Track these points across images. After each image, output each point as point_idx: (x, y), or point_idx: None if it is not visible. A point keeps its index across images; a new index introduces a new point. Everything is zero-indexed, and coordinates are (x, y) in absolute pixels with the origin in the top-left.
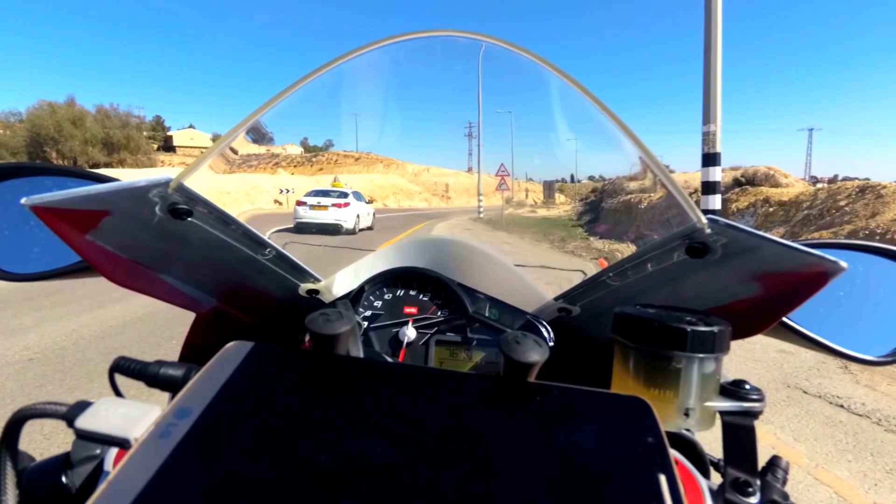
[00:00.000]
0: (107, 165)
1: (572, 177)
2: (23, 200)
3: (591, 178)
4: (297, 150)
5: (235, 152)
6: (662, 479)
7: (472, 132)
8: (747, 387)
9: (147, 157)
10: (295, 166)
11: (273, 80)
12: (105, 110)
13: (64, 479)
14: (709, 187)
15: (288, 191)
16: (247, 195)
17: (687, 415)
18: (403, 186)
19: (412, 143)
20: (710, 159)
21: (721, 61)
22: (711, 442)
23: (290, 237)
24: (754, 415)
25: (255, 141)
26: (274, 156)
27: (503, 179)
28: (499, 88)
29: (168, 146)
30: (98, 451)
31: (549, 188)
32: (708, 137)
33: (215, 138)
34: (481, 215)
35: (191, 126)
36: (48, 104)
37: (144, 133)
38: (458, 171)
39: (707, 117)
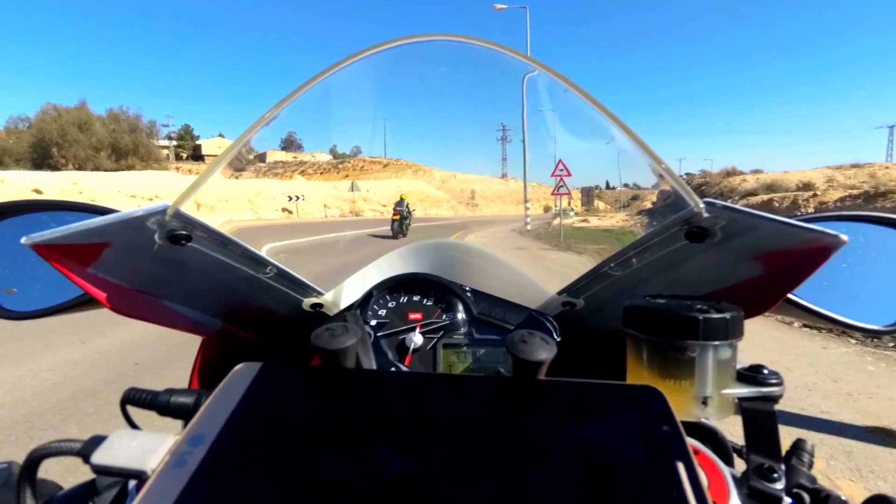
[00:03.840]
0: (115, 171)
1: (607, 183)
2: (23, 240)
3: (626, 185)
4: (326, 157)
5: (263, 160)
6: (680, 466)
7: (506, 136)
8: (765, 371)
9: (158, 164)
10: (321, 173)
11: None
12: (115, 114)
13: None
14: None
15: (298, 198)
16: (249, 202)
17: (705, 404)
18: (430, 193)
19: (440, 148)
20: None
21: None
22: (732, 430)
23: (288, 249)
24: (774, 399)
25: (284, 149)
26: (301, 163)
27: (561, 181)
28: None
29: (197, 155)
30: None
31: (588, 195)
32: None
33: None
34: (528, 227)
35: (220, 135)
36: (54, 107)
37: (171, 140)
38: (490, 176)
39: None
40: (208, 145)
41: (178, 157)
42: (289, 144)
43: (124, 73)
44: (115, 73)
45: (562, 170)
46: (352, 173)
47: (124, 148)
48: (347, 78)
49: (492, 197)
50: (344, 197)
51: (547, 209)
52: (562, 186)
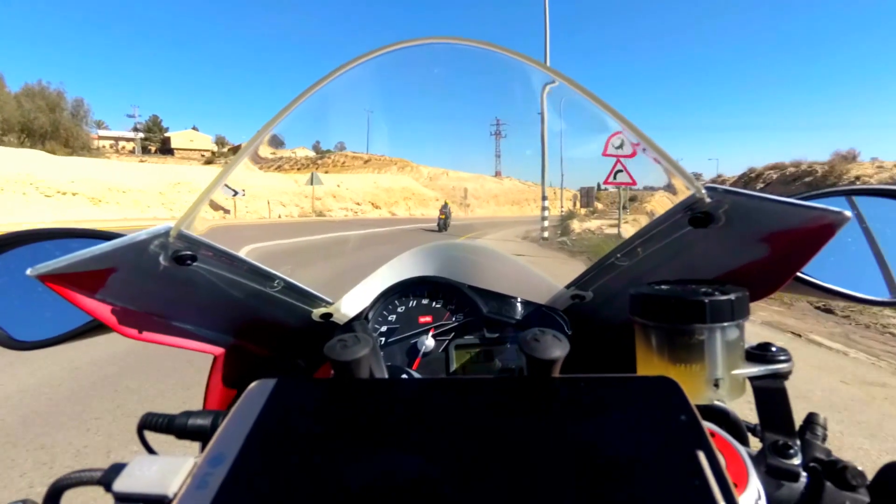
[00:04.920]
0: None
1: (598, 185)
2: (28, 271)
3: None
4: (308, 153)
5: (256, 161)
6: (701, 455)
7: (500, 130)
8: (773, 349)
9: (87, 151)
10: (298, 169)
11: (285, 83)
12: (31, 90)
13: None
14: None
15: (236, 193)
16: (160, 195)
17: (717, 385)
18: (417, 191)
19: (428, 143)
20: None
21: None
22: (745, 409)
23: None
24: (783, 376)
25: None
26: (278, 159)
27: (618, 163)
28: (500, 95)
29: (166, 148)
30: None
31: (588, 195)
32: None
33: (218, 141)
34: (545, 235)
35: (193, 128)
36: None
37: (136, 132)
38: (482, 174)
39: None
40: (178, 138)
41: (145, 151)
42: (271, 141)
43: (90, 58)
44: (73, 56)
45: (619, 146)
46: (331, 169)
47: (39, 130)
48: (337, 79)
49: (485, 196)
50: (305, 193)
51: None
52: (620, 172)
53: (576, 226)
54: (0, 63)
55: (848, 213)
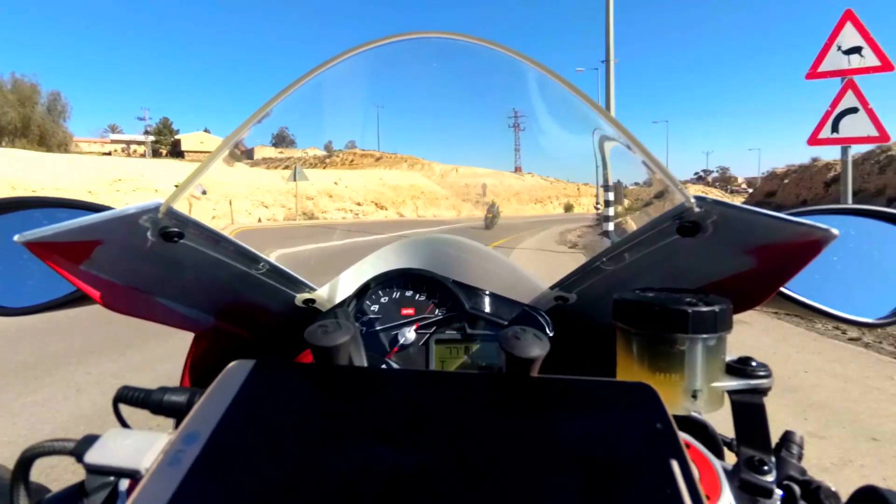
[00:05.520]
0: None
1: (618, 181)
2: (15, 237)
3: (636, 183)
4: (320, 153)
5: (251, 156)
6: (674, 464)
7: (518, 122)
8: (753, 363)
9: (61, 149)
10: (305, 168)
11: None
12: (1, 83)
13: None
14: None
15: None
16: (89, 195)
17: (695, 397)
18: (426, 188)
19: (440, 140)
20: None
21: None
22: (722, 423)
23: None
24: (763, 391)
25: (274, 145)
26: (286, 159)
27: (850, 90)
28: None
29: (176, 151)
30: (112, 478)
31: (615, 190)
32: None
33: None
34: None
35: (205, 130)
36: None
37: (147, 135)
38: (501, 171)
39: None
40: (189, 140)
41: (156, 154)
42: (280, 140)
43: (105, 61)
44: (90, 58)
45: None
46: (340, 168)
47: (7, 126)
48: (343, 73)
49: (505, 194)
50: (293, 191)
51: (568, 208)
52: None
53: (630, 223)
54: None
55: (835, 231)
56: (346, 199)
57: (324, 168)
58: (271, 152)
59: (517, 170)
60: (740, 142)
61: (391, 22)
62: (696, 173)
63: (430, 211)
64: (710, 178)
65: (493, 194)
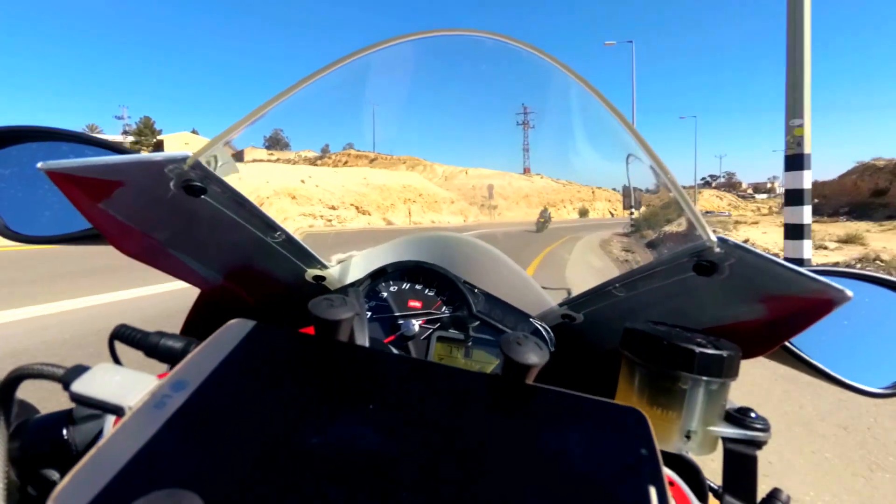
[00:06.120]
0: None
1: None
2: (39, 165)
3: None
4: (313, 155)
5: (241, 158)
6: (652, 491)
7: (527, 119)
8: (753, 415)
9: None
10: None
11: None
12: None
13: (65, 433)
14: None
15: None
16: None
17: (688, 437)
18: (425, 190)
19: (443, 139)
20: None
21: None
22: (710, 465)
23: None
24: (758, 444)
25: (268, 147)
26: (275, 161)
27: None
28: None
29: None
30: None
31: (630, 197)
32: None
33: None
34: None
35: (193, 131)
36: None
37: (126, 135)
38: (509, 172)
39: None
40: (173, 141)
41: None
42: (274, 143)
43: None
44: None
45: None
46: (330, 168)
47: None
48: (339, 75)
49: (514, 196)
50: (259, 190)
51: (583, 213)
52: None
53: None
54: None
55: (850, 293)
56: (315, 202)
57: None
58: (262, 154)
59: (526, 171)
60: (754, 144)
61: (389, 22)
62: (703, 178)
63: (427, 216)
64: (715, 184)
65: (501, 197)
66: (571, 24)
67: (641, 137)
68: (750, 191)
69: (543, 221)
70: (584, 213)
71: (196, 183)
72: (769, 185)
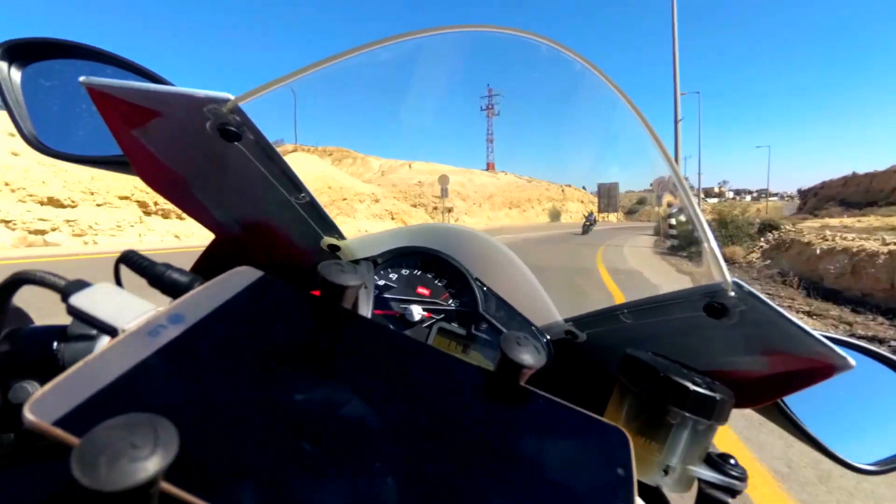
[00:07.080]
0: None
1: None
2: (81, 78)
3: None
4: None
5: None
6: None
7: (492, 104)
8: (732, 462)
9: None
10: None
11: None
12: None
13: (55, 346)
14: None
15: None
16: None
17: (666, 472)
18: (347, 186)
19: (382, 130)
20: None
21: None
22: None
23: None
24: (733, 493)
25: None
26: None
27: None
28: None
29: None
30: (95, 332)
31: (609, 195)
32: None
33: None
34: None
35: None
36: None
37: None
38: (470, 168)
39: None
40: None
41: None
42: None
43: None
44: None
45: None
46: None
47: None
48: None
49: (475, 196)
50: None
51: (555, 216)
52: None
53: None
54: None
55: (852, 361)
56: (107, 196)
57: None
58: None
59: (489, 167)
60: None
61: (390, 21)
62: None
63: (344, 222)
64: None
65: (459, 197)
66: (572, 24)
67: (661, 142)
68: (702, 195)
69: (589, 225)
70: (555, 215)
71: (232, 128)
72: (718, 190)
